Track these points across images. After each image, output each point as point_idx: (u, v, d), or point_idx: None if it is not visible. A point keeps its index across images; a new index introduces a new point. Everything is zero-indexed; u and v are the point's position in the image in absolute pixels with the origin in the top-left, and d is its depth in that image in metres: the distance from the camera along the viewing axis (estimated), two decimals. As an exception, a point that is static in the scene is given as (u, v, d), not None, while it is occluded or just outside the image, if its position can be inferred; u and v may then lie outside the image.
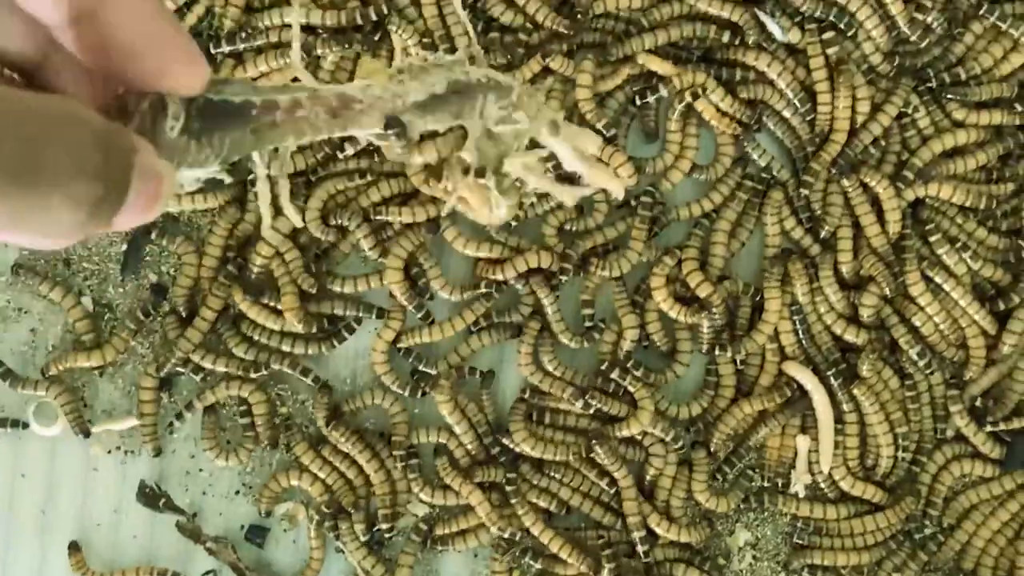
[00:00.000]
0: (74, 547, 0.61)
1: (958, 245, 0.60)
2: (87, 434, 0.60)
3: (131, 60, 0.30)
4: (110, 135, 0.27)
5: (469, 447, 0.61)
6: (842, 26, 0.60)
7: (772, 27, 0.60)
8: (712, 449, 0.61)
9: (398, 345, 0.61)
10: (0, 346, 0.61)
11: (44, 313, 0.61)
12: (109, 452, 0.62)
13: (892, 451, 0.61)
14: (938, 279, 0.60)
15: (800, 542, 0.62)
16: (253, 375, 0.60)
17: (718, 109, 0.60)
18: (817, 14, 0.60)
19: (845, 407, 0.61)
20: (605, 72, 0.60)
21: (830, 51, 0.60)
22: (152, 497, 0.62)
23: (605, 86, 0.60)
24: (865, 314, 0.60)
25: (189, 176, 0.32)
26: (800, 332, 0.61)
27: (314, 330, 0.60)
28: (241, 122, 0.32)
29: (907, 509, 0.61)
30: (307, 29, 0.60)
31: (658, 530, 0.61)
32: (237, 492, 0.62)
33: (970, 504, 0.62)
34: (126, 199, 0.28)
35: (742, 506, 0.62)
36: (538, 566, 0.61)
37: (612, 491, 0.61)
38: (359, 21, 0.58)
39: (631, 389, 0.60)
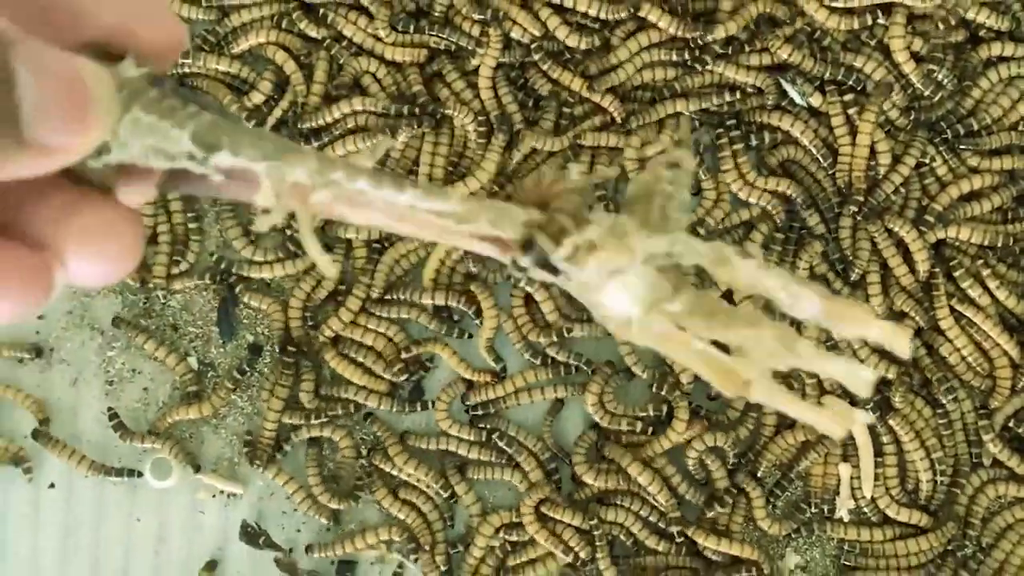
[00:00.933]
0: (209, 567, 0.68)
1: (985, 274, 0.65)
2: (197, 468, 0.68)
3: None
4: None
5: (532, 476, 0.67)
6: (860, 88, 0.66)
7: (792, 93, 0.66)
8: (759, 475, 0.66)
9: (466, 402, 0.67)
10: (117, 403, 0.69)
11: (155, 374, 0.69)
12: (214, 496, 0.69)
13: (930, 475, 0.66)
14: (968, 313, 0.65)
15: (848, 564, 0.67)
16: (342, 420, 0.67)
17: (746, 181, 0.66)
18: (838, 78, 0.66)
19: (883, 437, 0.66)
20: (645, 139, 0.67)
21: (851, 111, 0.66)
22: (253, 535, 0.69)
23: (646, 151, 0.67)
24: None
25: (141, 148, 0.27)
26: (836, 367, 0.66)
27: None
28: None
29: (948, 532, 0.65)
30: (375, 115, 0.67)
31: (720, 547, 0.66)
32: (328, 529, 0.69)
33: (1006, 524, 0.66)
34: (19, 103, 0.24)
35: (792, 532, 0.67)
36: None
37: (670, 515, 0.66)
38: (419, 106, 0.66)
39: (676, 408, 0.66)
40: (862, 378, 0.28)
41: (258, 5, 0.67)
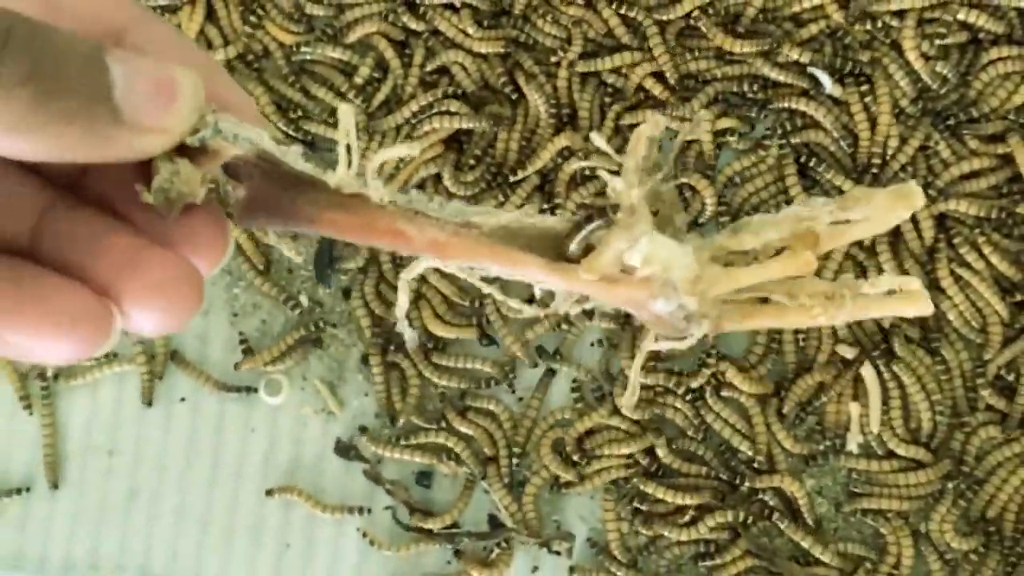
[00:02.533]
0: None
1: (981, 242, 0.75)
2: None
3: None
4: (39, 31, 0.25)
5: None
6: (875, 76, 0.77)
7: (824, 80, 0.77)
8: (784, 412, 0.77)
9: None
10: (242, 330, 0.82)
11: (271, 308, 0.82)
12: (316, 413, 0.82)
13: (930, 415, 0.76)
14: (965, 276, 0.76)
15: (856, 490, 0.77)
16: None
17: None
18: (857, 71, 0.77)
19: (889, 381, 0.76)
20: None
21: (867, 99, 0.77)
22: (344, 449, 0.81)
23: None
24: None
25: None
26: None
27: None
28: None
29: (946, 467, 0.75)
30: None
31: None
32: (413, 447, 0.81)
33: (997, 462, 0.76)
34: (112, 103, 0.26)
35: (808, 457, 0.77)
36: (645, 508, 0.78)
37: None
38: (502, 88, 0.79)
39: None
40: (913, 289, 0.30)
41: (369, 3, 0.80)
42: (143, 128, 0.27)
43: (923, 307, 0.31)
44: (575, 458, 0.78)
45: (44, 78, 0.25)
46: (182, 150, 0.29)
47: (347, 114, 0.31)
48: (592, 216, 0.31)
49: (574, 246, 0.31)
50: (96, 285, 0.27)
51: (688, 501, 0.76)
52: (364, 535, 0.80)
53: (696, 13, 0.77)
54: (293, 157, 0.30)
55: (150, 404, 0.81)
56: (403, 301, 0.32)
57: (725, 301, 0.31)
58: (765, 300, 0.32)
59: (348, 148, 0.31)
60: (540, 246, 0.31)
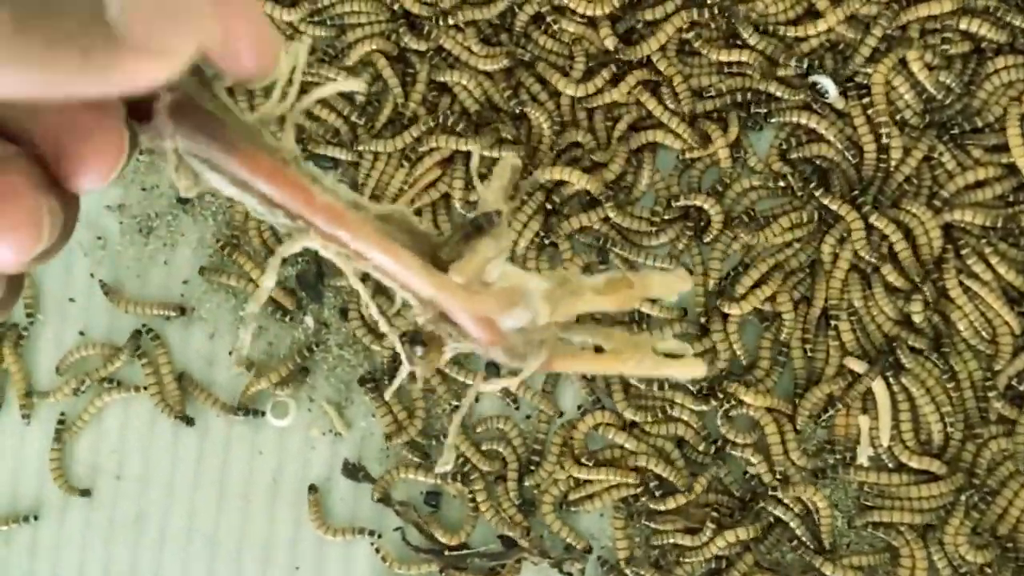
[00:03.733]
0: (312, 489, 0.81)
1: (988, 252, 0.75)
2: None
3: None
4: None
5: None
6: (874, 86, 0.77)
7: (829, 87, 0.77)
8: (797, 427, 0.77)
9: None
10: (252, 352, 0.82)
11: (277, 330, 0.82)
12: (324, 434, 0.81)
13: (941, 427, 0.75)
14: (974, 287, 0.75)
15: (867, 504, 0.76)
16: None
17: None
18: (859, 83, 0.77)
19: (898, 394, 0.76)
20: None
21: (870, 111, 0.76)
22: (353, 471, 0.81)
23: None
24: (917, 318, 0.75)
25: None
26: (857, 331, 0.76)
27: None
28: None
29: (958, 480, 0.75)
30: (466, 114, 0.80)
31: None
32: (418, 467, 0.80)
33: (1009, 473, 0.75)
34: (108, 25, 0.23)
35: (818, 475, 0.77)
36: (653, 526, 0.77)
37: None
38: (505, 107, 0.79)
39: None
40: (678, 279, 0.34)
41: (371, 24, 0.80)
42: (146, 51, 0.24)
43: (698, 371, 0.34)
44: (582, 460, 0.77)
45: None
46: None
47: (300, 48, 0.31)
48: (478, 223, 0.32)
49: (448, 249, 0.32)
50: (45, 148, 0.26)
51: (700, 526, 0.76)
52: (377, 551, 0.79)
53: (691, 34, 0.77)
54: (220, 87, 0.30)
55: (190, 422, 0.81)
56: (269, 282, 0.31)
57: (559, 339, 0.34)
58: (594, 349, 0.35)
59: (290, 82, 0.31)
60: (415, 246, 0.32)
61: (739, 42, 0.78)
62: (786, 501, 0.76)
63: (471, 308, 0.32)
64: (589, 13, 0.78)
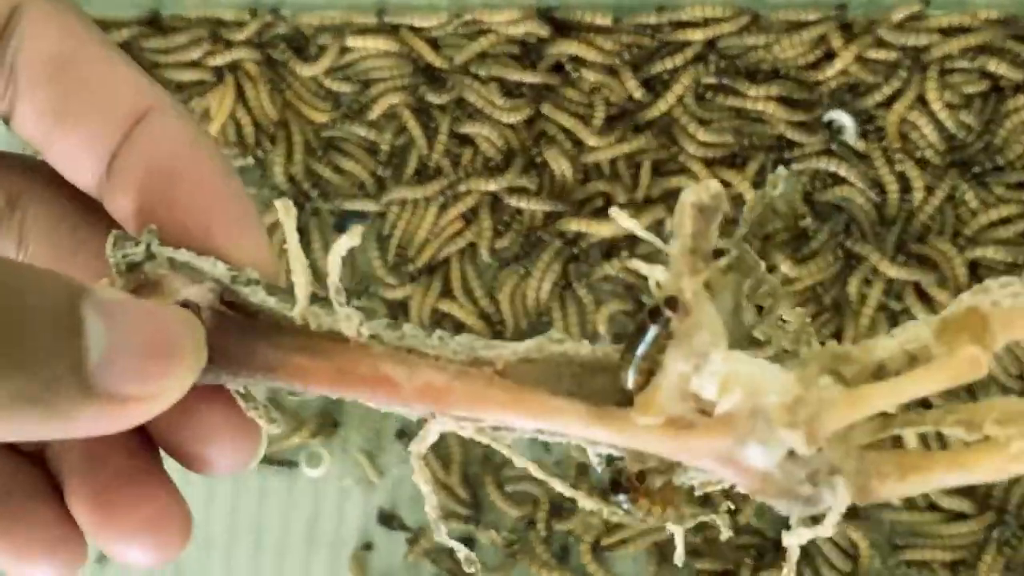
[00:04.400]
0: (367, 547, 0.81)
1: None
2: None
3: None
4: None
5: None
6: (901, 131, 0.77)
7: (847, 123, 0.77)
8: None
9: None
10: (279, 406, 0.83)
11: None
12: (356, 483, 0.82)
13: (971, 466, 0.76)
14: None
15: (899, 543, 0.77)
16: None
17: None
18: (877, 124, 0.77)
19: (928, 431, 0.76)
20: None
21: (890, 152, 0.77)
22: (387, 518, 0.82)
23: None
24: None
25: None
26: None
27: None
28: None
29: (990, 518, 0.75)
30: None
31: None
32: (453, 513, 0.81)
33: (1042, 509, 0.76)
34: (85, 352, 0.21)
35: (850, 515, 0.77)
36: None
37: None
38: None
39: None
40: None
41: (392, 78, 0.82)
42: (124, 398, 0.22)
43: None
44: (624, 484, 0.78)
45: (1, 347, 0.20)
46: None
47: (287, 213, 0.25)
48: (646, 324, 0.22)
49: (631, 376, 0.22)
50: (77, 510, 0.25)
51: (734, 568, 0.76)
52: (410, 600, 0.80)
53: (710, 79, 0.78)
54: (252, 290, 0.25)
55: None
56: (425, 486, 0.25)
57: (865, 447, 0.22)
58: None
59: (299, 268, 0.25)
60: (577, 384, 0.24)
61: (751, 92, 0.78)
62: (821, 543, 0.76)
63: (688, 455, 0.23)
64: (601, 61, 0.79)
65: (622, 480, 0.24)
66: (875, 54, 0.77)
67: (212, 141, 0.27)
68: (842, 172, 0.77)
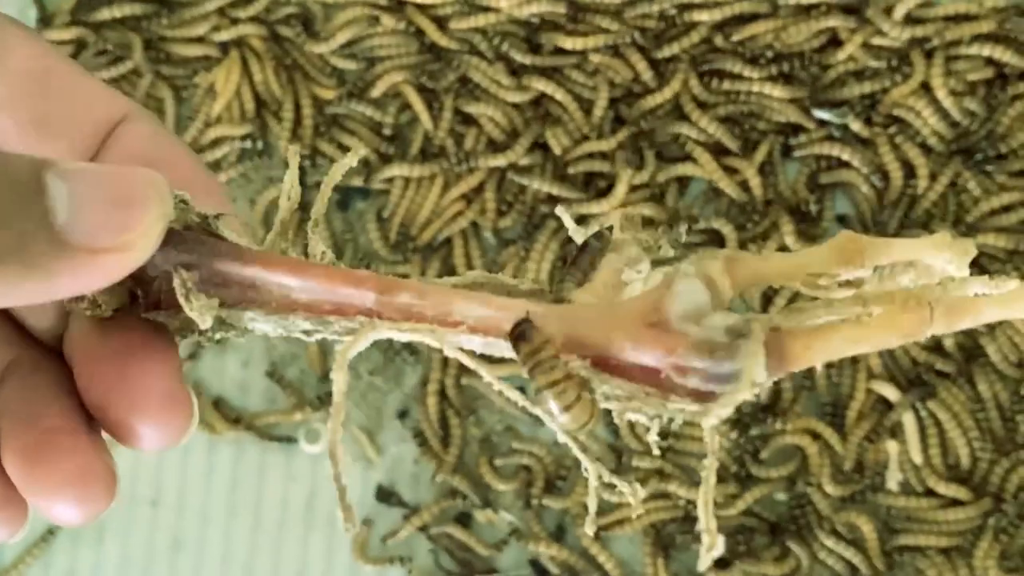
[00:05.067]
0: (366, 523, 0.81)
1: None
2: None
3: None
4: None
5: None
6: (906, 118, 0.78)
7: (828, 117, 0.78)
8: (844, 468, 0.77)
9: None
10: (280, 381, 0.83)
11: (312, 358, 0.84)
12: (355, 461, 0.83)
13: (968, 452, 0.76)
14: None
15: (896, 528, 0.77)
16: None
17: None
18: (883, 111, 0.78)
19: (925, 418, 0.76)
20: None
21: (897, 139, 0.77)
22: (386, 495, 0.82)
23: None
24: (947, 342, 0.76)
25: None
26: (884, 356, 0.77)
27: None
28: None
29: (986, 505, 0.75)
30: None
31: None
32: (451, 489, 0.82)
33: (1038, 496, 0.76)
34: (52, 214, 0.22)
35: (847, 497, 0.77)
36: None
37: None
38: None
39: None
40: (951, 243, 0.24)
41: (399, 56, 0.82)
42: (99, 250, 0.23)
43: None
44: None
45: None
46: None
47: (291, 155, 0.28)
48: (587, 245, 0.26)
49: (570, 273, 0.26)
50: (8, 465, 0.26)
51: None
52: (410, 572, 0.80)
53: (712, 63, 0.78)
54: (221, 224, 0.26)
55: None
56: (341, 384, 0.25)
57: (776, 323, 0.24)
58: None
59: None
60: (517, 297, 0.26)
61: (755, 75, 0.78)
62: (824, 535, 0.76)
63: (617, 320, 0.24)
64: (579, 48, 0.79)
65: (527, 330, 0.24)
66: (881, 40, 0.77)
67: (183, 142, 0.29)
68: (845, 157, 0.78)
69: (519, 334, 0.24)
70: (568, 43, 0.79)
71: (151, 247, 0.24)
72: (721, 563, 0.77)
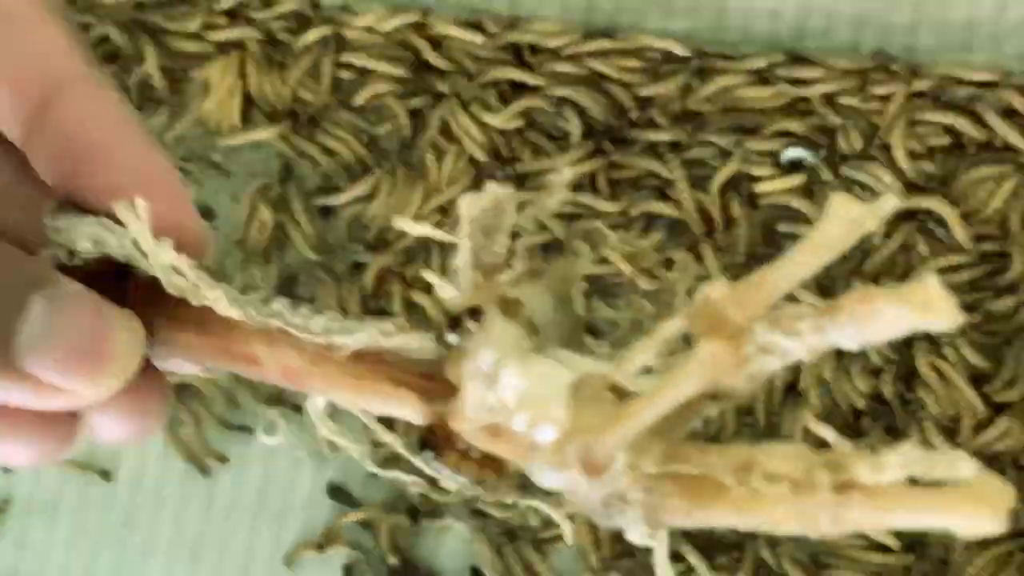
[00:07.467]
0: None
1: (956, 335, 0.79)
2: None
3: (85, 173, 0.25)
4: None
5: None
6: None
7: (801, 155, 0.81)
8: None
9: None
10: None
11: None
12: (311, 456, 0.85)
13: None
14: (942, 367, 0.79)
15: (825, 562, 0.80)
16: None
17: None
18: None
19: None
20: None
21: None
22: (338, 492, 0.84)
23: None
24: (887, 391, 0.80)
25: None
26: (823, 403, 0.81)
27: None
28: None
29: (909, 560, 0.79)
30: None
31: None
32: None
33: (980, 567, 0.79)
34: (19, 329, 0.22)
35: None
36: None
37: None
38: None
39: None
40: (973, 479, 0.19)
41: (389, 67, 0.84)
42: (44, 384, 0.23)
43: (999, 514, 0.19)
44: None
45: None
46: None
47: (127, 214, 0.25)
48: (457, 322, 0.22)
49: (451, 374, 0.23)
50: None
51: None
52: (349, 570, 0.82)
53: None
54: (154, 265, 0.25)
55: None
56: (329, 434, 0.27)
57: (661, 475, 0.21)
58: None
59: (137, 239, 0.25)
60: (417, 371, 0.25)
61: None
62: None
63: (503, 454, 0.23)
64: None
65: (431, 436, 0.24)
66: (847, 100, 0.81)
67: (130, 108, 0.28)
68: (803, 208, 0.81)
69: (424, 443, 0.25)
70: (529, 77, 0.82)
71: (100, 400, 0.24)
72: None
